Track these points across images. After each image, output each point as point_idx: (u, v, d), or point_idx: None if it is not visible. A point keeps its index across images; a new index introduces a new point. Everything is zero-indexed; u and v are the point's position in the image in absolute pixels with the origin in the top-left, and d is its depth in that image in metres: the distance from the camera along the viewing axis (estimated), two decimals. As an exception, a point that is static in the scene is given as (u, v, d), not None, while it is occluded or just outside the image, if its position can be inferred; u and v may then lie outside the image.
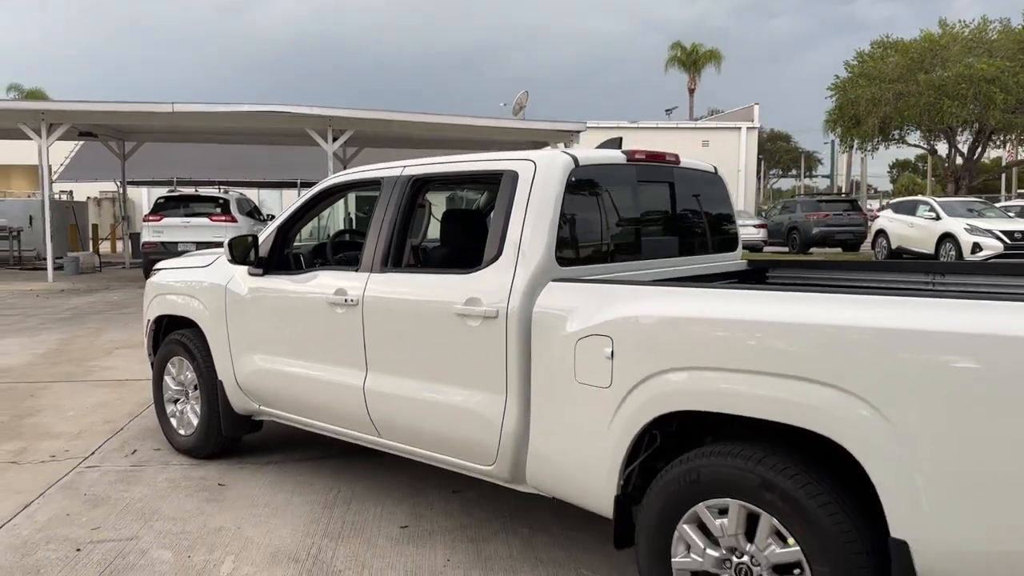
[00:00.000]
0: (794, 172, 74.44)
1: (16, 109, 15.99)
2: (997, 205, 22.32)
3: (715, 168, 4.20)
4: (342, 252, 4.82)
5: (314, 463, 4.87)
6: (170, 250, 14.34)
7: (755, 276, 4.41)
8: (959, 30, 27.78)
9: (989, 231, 18.03)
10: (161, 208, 15.32)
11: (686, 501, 2.67)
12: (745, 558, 2.57)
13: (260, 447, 5.14)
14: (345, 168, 19.53)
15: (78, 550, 3.65)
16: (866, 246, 24.93)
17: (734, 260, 4.33)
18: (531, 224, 3.23)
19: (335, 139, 15.65)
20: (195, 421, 4.92)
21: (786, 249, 26.08)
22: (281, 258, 4.48)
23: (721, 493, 2.58)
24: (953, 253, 18.30)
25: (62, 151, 26.40)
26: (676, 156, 3.88)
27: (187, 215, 15.02)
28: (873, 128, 28.05)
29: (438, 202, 4.89)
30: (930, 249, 19.05)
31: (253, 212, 16.91)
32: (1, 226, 21.08)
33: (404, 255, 3.79)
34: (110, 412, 6.05)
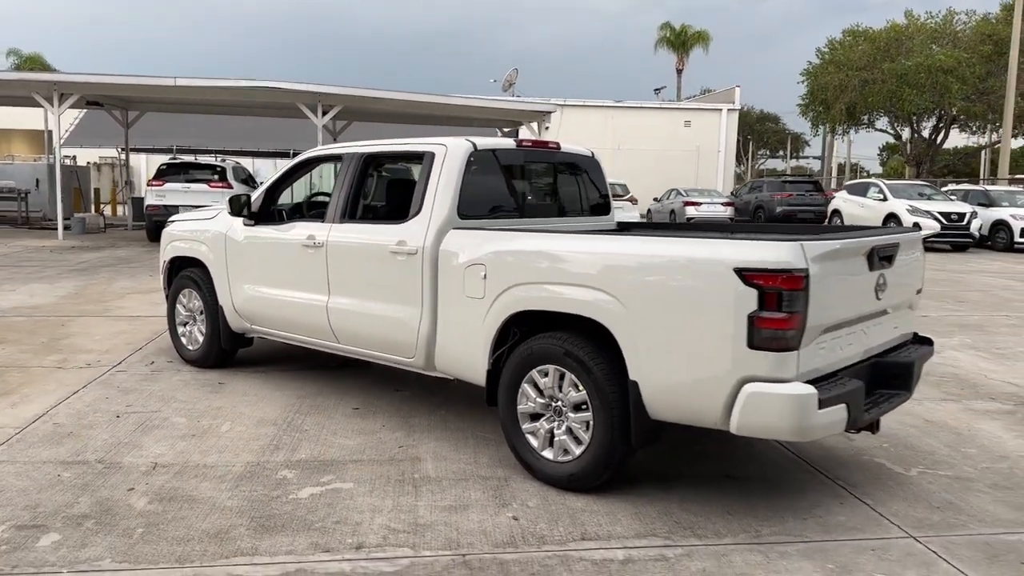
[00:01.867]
0: (781, 153, 75.80)
1: (31, 80, 17.24)
2: (944, 189, 23.80)
3: (592, 152, 5.63)
4: (314, 209, 6.24)
5: (291, 372, 6.34)
6: (171, 213, 15.71)
7: (621, 231, 5.86)
8: (925, 20, 29.09)
9: (928, 212, 19.56)
10: (163, 174, 16.67)
11: (525, 368, 4.14)
12: (558, 402, 4.06)
13: (250, 361, 6.60)
14: (335, 140, 20.86)
15: (117, 416, 5.12)
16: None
17: (607, 221, 5.77)
18: (441, 189, 4.67)
19: (324, 113, 16.98)
20: (201, 338, 6.38)
21: (753, 227, 27.54)
22: (268, 212, 5.90)
23: (544, 362, 4.05)
24: (895, 232, 19.81)
25: (67, 118, 27.54)
26: (557, 144, 5.32)
27: (187, 181, 16.37)
28: (841, 113, 29.46)
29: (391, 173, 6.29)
30: (877, 228, 20.57)
31: (248, 180, 18.25)
32: (10, 188, 22.36)
33: (357, 210, 5.23)
34: (130, 337, 7.50)
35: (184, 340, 6.57)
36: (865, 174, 69.47)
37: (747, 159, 67.59)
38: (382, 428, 4.99)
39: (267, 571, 3.19)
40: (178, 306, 6.60)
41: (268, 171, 29.54)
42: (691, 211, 27.58)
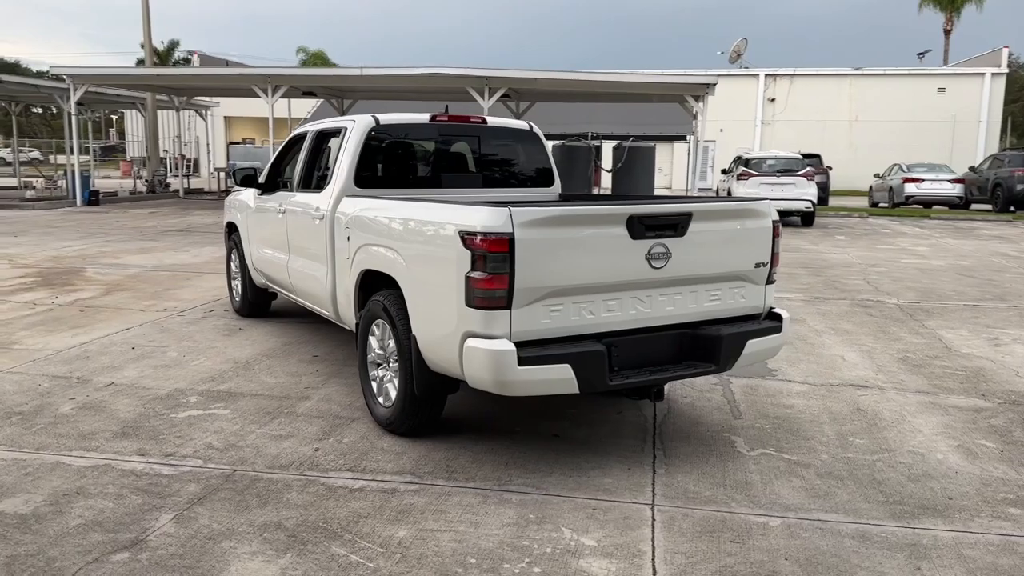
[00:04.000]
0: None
1: (252, 74, 20.07)
2: None
3: (531, 126, 5.83)
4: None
5: (302, 324, 7.24)
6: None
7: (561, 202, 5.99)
8: None
9: None
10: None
11: (369, 322, 4.61)
12: (387, 349, 4.49)
13: (284, 313, 7.62)
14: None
15: (132, 348, 6.32)
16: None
17: (550, 192, 5.94)
18: (344, 160, 5.23)
19: (491, 96, 17.93)
20: (238, 292, 7.51)
21: (989, 207, 24.32)
22: (272, 184, 6.81)
23: (377, 316, 4.50)
24: None
25: (305, 106, 31.16)
26: (482, 118, 5.62)
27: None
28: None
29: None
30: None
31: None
32: (256, 168, 26.00)
33: (306, 181, 5.94)
34: (221, 292, 8.89)
35: (234, 293, 7.76)
36: None
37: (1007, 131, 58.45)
38: (314, 372, 5.69)
39: (84, 462, 4.03)
40: (232, 264, 7.79)
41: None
42: (911, 188, 25.03)
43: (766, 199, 4.40)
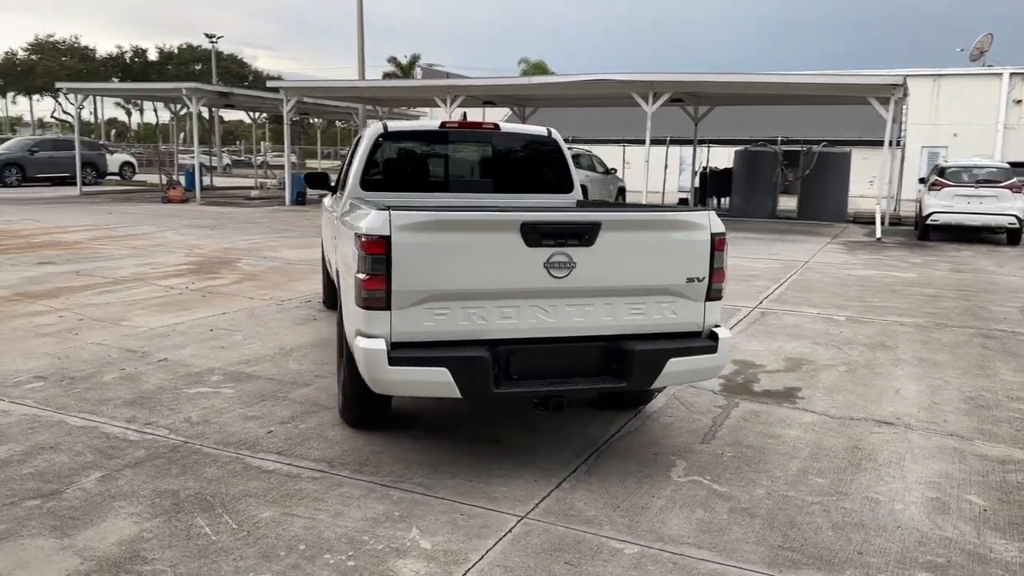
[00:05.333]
0: None
1: (431, 86, 21.27)
2: None
3: (549, 132, 5.80)
4: None
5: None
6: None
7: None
8: None
9: None
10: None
11: (338, 315, 4.90)
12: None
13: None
14: (696, 126, 21.23)
15: (210, 330, 7.10)
16: None
17: (568, 198, 5.87)
18: (355, 165, 5.56)
19: (655, 100, 17.62)
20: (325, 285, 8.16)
21: None
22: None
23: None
24: None
25: (495, 116, 32.25)
26: (495, 124, 5.70)
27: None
28: None
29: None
30: None
31: (593, 166, 19.87)
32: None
33: (341, 183, 6.35)
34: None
35: (324, 287, 8.42)
36: None
37: None
38: (334, 363, 6.08)
39: (79, 423, 4.67)
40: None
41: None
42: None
43: (703, 210, 4.09)
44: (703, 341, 4.03)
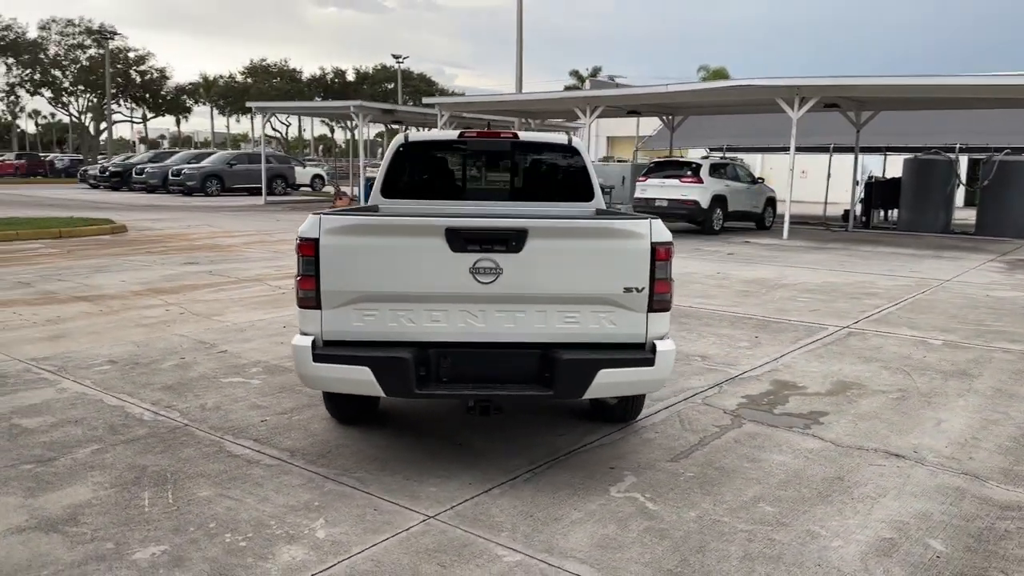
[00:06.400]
0: None
1: (570, 97, 21.34)
2: None
3: (570, 140, 5.75)
4: None
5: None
6: (649, 205, 17.86)
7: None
8: None
9: None
10: (651, 171, 18.86)
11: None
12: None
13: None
14: (858, 132, 20.00)
15: (284, 327, 7.66)
16: None
17: (587, 207, 5.78)
18: (380, 174, 5.83)
19: (800, 106, 16.69)
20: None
21: None
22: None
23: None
24: None
25: (653, 124, 31.76)
26: (514, 133, 5.74)
27: (664, 176, 18.20)
28: None
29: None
30: None
31: (737, 175, 19.09)
32: (601, 184, 27.59)
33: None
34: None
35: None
36: None
37: None
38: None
39: (113, 402, 5.24)
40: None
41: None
42: None
43: (644, 218, 3.91)
44: (639, 353, 3.88)
